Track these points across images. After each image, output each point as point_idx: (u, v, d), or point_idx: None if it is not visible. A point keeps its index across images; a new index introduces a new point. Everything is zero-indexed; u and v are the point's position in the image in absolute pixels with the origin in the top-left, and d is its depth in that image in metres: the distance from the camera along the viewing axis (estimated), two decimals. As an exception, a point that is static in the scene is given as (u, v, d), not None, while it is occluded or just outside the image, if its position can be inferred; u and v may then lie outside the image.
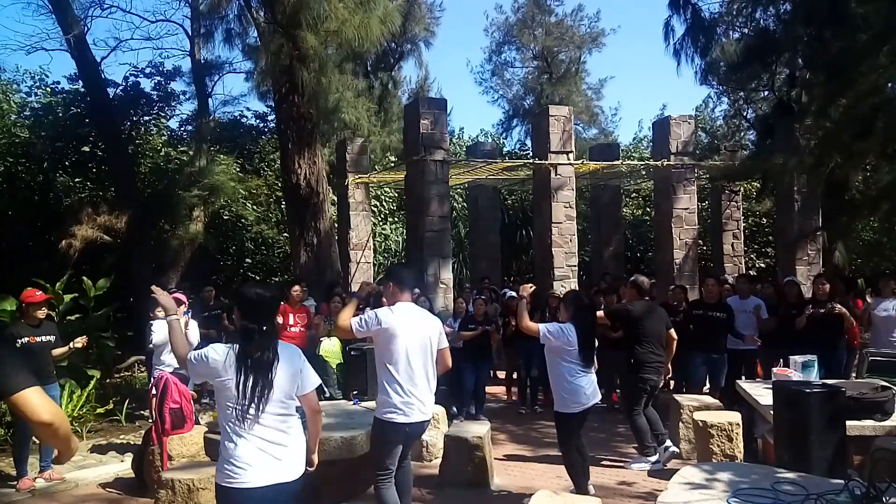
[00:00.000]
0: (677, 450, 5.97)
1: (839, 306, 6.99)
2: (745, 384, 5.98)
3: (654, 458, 5.89)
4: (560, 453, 5.13)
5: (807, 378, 5.20)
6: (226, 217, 15.46)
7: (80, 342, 5.84)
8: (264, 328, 2.86)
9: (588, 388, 4.91)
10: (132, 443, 6.86)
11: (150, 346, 6.25)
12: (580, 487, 4.91)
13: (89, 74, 11.85)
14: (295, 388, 2.94)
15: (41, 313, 5.80)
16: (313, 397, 3.09)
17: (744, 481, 2.95)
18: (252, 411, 2.77)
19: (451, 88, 51.27)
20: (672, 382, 8.80)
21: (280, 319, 7.68)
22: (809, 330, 6.93)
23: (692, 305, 7.74)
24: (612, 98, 59.38)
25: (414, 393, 3.87)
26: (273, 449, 2.82)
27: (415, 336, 3.91)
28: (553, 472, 5.72)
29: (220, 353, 2.84)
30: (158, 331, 6.16)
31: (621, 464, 6.04)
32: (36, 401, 1.90)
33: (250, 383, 2.77)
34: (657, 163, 12.51)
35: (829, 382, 4.53)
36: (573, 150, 11.72)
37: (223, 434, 2.85)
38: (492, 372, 9.58)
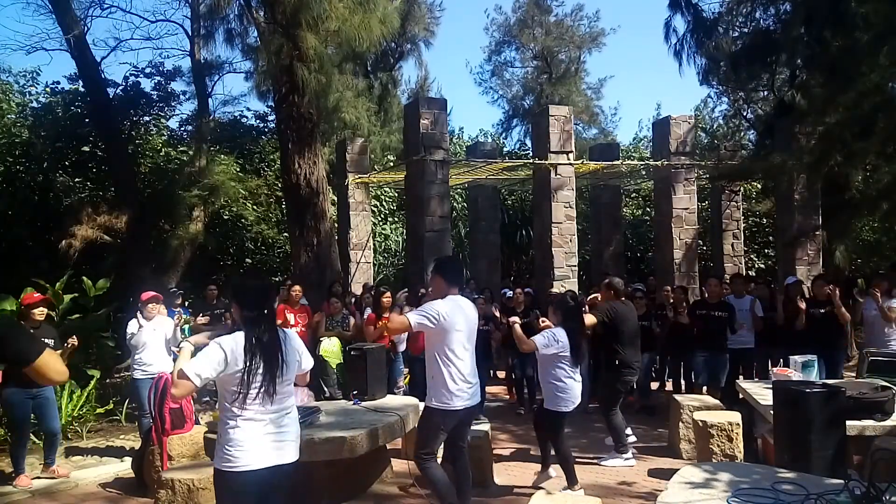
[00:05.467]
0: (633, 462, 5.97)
1: (843, 312, 6.95)
2: (745, 384, 5.99)
3: (627, 455, 5.99)
4: (554, 451, 5.23)
5: (807, 378, 5.21)
6: (226, 217, 15.44)
7: (72, 341, 5.82)
8: (266, 312, 2.95)
9: (577, 388, 5.19)
10: (132, 443, 6.85)
11: (129, 342, 6.29)
12: (573, 482, 5.07)
13: (89, 74, 11.86)
14: (297, 368, 3.09)
15: (39, 313, 5.80)
16: (308, 374, 3.31)
17: (744, 481, 2.95)
18: (263, 394, 2.83)
19: (451, 88, 51.28)
20: (670, 382, 8.84)
21: (280, 321, 7.71)
22: (809, 330, 6.93)
23: (695, 305, 7.76)
24: (612, 98, 59.42)
25: (470, 378, 4.16)
26: (276, 431, 2.88)
27: (468, 326, 4.19)
28: (553, 472, 5.70)
29: (229, 346, 2.83)
30: (135, 330, 6.20)
31: (595, 461, 6.06)
32: (50, 363, 2.33)
33: (262, 367, 2.83)
34: (657, 163, 12.51)
35: (829, 382, 4.53)
36: (573, 150, 11.72)
37: (224, 418, 2.88)
38: (492, 372, 9.57)
